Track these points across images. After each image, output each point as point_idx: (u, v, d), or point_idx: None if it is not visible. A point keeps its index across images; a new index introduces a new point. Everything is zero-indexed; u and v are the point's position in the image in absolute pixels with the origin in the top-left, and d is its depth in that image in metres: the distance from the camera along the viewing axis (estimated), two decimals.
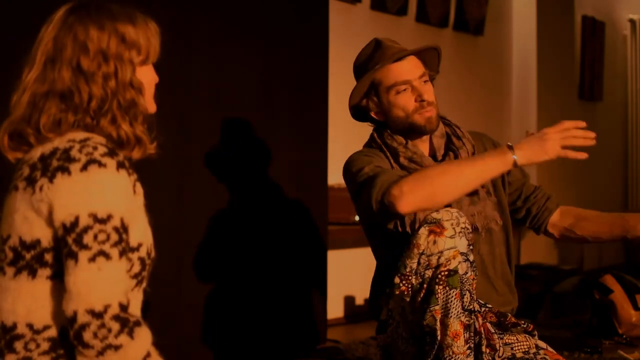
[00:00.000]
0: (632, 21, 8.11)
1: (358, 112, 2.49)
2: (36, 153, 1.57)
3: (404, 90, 2.38)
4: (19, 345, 1.55)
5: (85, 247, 1.49)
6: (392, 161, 2.40)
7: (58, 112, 1.58)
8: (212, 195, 3.35)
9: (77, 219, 1.49)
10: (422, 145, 2.44)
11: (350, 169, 2.38)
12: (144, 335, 1.53)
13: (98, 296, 1.48)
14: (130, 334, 1.50)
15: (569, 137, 2.16)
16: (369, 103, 2.44)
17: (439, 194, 2.12)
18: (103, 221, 1.50)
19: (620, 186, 8.18)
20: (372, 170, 2.28)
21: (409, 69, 2.38)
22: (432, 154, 2.44)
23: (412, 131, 2.40)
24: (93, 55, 1.59)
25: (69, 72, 1.59)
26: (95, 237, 1.49)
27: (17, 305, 1.55)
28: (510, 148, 2.14)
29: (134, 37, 1.63)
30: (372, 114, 2.45)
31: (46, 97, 1.59)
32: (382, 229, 2.35)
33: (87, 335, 1.47)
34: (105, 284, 1.49)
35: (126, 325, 1.50)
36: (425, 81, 2.40)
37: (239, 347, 3.45)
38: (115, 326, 1.48)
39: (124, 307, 1.51)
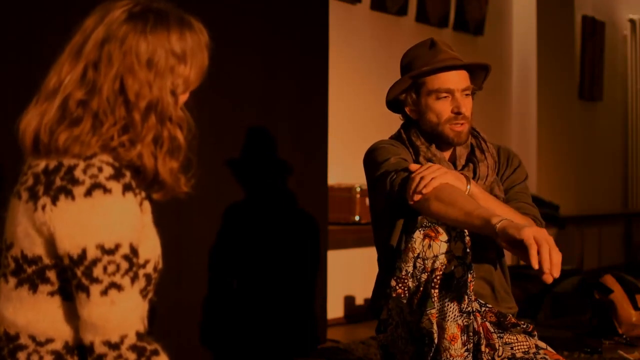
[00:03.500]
0: (632, 21, 8.12)
1: (393, 103, 2.50)
2: (41, 162, 1.51)
3: (444, 97, 2.39)
4: (22, 356, 1.52)
5: (96, 280, 1.45)
6: (413, 158, 2.42)
7: (83, 134, 1.49)
8: (212, 196, 3.35)
9: (84, 252, 1.45)
10: (445, 152, 2.45)
11: (375, 155, 2.41)
12: None
13: (114, 328, 1.46)
14: None
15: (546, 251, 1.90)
16: (407, 98, 2.46)
17: (432, 211, 2.15)
18: (111, 252, 1.46)
19: (620, 186, 8.18)
20: (398, 162, 2.32)
21: (455, 79, 2.40)
22: (452, 161, 2.45)
23: (440, 140, 2.42)
24: (139, 82, 1.50)
25: (110, 89, 1.49)
26: (105, 269, 1.45)
27: (17, 316, 1.53)
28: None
29: (185, 71, 1.55)
30: (407, 110, 2.47)
31: (79, 108, 1.50)
32: (388, 225, 2.37)
33: None
34: (120, 316, 1.47)
35: (143, 354, 1.49)
36: (467, 94, 2.41)
37: (239, 347, 3.46)
38: (132, 356, 1.47)
39: (140, 336, 1.50)
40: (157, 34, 1.52)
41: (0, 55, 2.66)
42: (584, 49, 7.39)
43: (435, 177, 2.17)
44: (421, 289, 2.13)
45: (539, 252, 1.87)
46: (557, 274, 1.88)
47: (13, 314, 1.53)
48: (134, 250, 1.49)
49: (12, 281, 1.53)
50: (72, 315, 1.51)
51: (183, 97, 1.59)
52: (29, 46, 2.67)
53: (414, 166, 2.28)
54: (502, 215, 2.03)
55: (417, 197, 2.17)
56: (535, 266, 1.86)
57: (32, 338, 1.52)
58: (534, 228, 1.90)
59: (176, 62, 1.54)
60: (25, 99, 1.59)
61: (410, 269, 2.14)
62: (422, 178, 2.17)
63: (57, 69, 1.54)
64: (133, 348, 1.48)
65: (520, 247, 1.89)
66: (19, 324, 1.53)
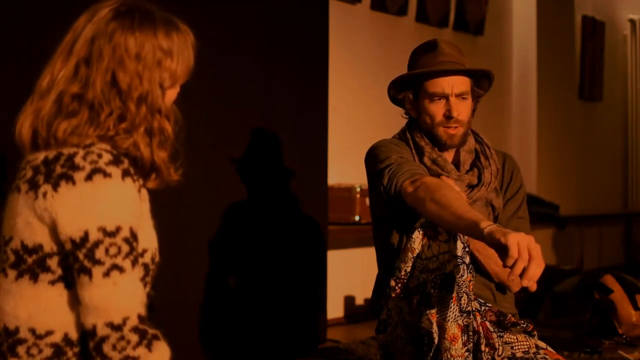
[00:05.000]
0: (632, 21, 8.12)
1: (395, 100, 2.51)
2: (40, 155, 1.54)
3: (438, 100, 2.39)
4: (21, 350, 1.53)
5: (98, 262, 1.48)
6: (416, 158, 2.42)
7: (82, 124, 1.53)
8: (212, 196, 3.35)
9: (86, 234, 1.47)
10: (448, 155, 2.45)
11: (377, 153, 2.40)
12: (162, 350, 1.54)
13: (116, 309, 1.48)
14: (149, 347, 1.50)
15: (524, 259, 1.83)
16: (404, 98, 2.46)
17: (427, 212, 2.11)
18: (113, 234, 1.48)
19: (620, 186, 8.18)
20: (398, 160, 2.32)
21: (451, 83, 2.39)
22: (455, 164, 2.45)
23: (434, 141, 2.42)
24: (129, 74, 1.55)
25: (102, 82, 1.54)
26: (107, 251, 1.48)
27: (18, 308, 1.54)
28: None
29: (172, 66, 1.59)
30: (407, 108, 2.48)
31: (75, 101, 1.54)
32: (388, 223, 2.37)
33: (107, 348, 1.48)
34: (122, 297, 1.49)
35: (144, 337, 1.50)
36: (463, 98, 2.40)
37: (239, 347, 3.46)
38: (134, 338, 1.49)
39: (142, 319, 1.51)
40: (144, 30, 1.57)
41: (0, 55, 2.66)
42: (584, 49, 7.39)
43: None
44: (420, 289, 2.13)
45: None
46: (531, 284, 1.83)
47: (13, 307, 1.54)
48: (133, 235, 1.52)
49: (12, 274, 1.55)
50: (73, 304, 1.53)
51: (172, 92, 1.63)
52: (29, 46, 2.67)
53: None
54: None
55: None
56: (505, 269, 1.85)
57: (32, 331, 1.53)
58: (520, 235, 1.88)
59: (163, 56, 1.58)
60: (25, 99, 1.61)
61: (410, 269, 2.14)
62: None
63: (49, 68, 1.58)
64: (135, 330, 1.49)
65: (505, 253, 1.87)
66: (19, 316, 1.54)
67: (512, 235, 1.84)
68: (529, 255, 1.82)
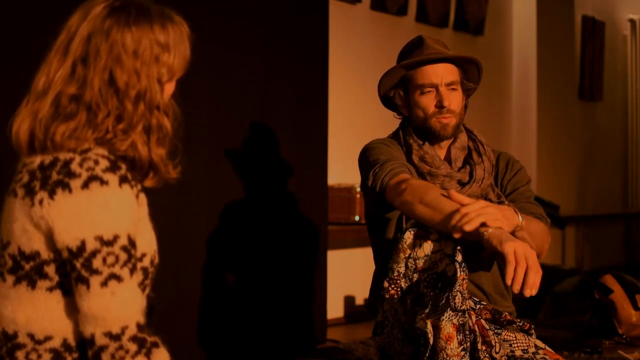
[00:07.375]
0: (632, 21, 8.11)
1: (387, 100, 2.52)
2: (36, 159, 1.52)
3: (429, 92, 2.40)
4: (20, 355, 1.52)
5: (96, 271, 1.46)
6: (406, 157, 2.43)
7: (80, 126, 1.51)
8: (212, 195, 3.35)
9: (83, 244, 1.46)
10: (440, 151, 2.45)
11: (368, 155, 2.41)
12: (161, 357, 1.52)
13: (115, 319, 1.47)
14: (148, 355, 1.49)
15: (523, 263, 1.89)
16: (395, 95, 2.47)
17: (417, 215, 2.12)
18: (110, 243, 1.47)
19: (620, 186, 8.18)
20: (382, 160, 2.33)
21: (439, 73, 2.40)
22: (447, 161, 2.45)
23: (428, 134, 2.43)
24: (127, 72, 1.53)
25: (100, 81, 1.52)
26: (104, 260, 1.46)
27: (17, 313, 1.53)
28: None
29: (170, 60, 1.57)
30: (398, 106, 2.49)
31: (72, 102, 1.52)
32: (382, 222, 2.38)
33: (105, 357, 1.47)
34: (121, 307, 1.48)
35: (143, 346, 1.49)
36: (453, 89, 2.41)
37: (239, 347, 3.45)
38: (133, 347, 1.48)
39: (141, 327, 1.50)
40: (141, 25, 1.55)
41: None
42: (584, 49, 7.38)
43: (481, 215, 2.02)
44: (414, 289, 2.13)
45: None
46: (532, 292, 1.88)
47: (12, 312, 1.53)
48: (131, 242, 1.50)
49: (10, 279, 1.54)
50: (72, 311, 1.52)
51: (169, 87, 1.61)
52: (29, 46, 2.67)
53: (454, 193, 2.12)
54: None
55: (457, 235, 2.05)
56: (508, 283, 1.90)
57: (31, 336, 1.52)
58: (517, 243, 1.90)
59: (160, 51, 1.56)
60: (21, 98, 1.59)
61: (402, 270, 2.14)
62: (466, 214, 2.03)
63: (45, 69, 1.56)
64: (134, 339, 1.49)
65: (502, 259, 1.91)
66: (18, 321, 1.53)
67: (509, 243, 1.89)
68: (525, 263, 1.86)
